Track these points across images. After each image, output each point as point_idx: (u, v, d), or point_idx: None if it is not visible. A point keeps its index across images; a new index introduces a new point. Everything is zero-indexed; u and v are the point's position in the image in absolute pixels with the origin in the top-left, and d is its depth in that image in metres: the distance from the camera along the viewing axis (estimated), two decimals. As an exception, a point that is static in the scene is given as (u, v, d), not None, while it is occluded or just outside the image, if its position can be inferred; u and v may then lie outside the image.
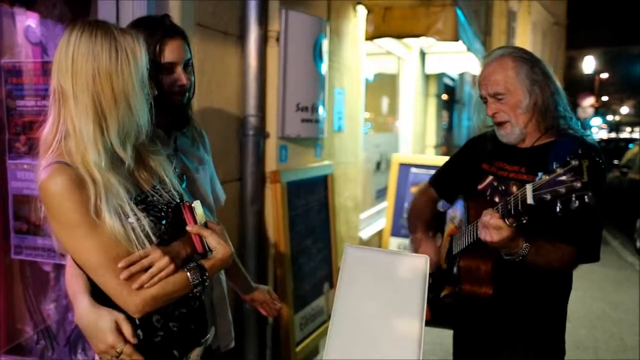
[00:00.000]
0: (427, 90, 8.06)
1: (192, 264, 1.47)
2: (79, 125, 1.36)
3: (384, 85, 6.96)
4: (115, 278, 1.37)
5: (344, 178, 4.68)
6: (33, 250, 2.43)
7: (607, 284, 6.64)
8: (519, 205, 1.55)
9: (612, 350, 4.72)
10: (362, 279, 1.37)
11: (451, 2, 4.98)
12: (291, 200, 3.54)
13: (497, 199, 1.92)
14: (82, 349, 2.46)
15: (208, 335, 1.65)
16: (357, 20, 4.81)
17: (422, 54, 7.38)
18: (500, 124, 1.94)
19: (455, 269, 1.93)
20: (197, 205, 1.51)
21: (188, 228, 1.49)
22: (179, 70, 1.71)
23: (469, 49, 6.05)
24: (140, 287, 1.38)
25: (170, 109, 1.74)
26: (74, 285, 1.50)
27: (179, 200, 1.54)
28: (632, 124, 44.18)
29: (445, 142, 9.53)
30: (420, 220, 2.26)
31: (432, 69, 7.70)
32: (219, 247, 1.51)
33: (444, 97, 9.20)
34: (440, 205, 2.32)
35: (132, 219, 1.39)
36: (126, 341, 1.41)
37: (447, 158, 2.40)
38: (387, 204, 5.61)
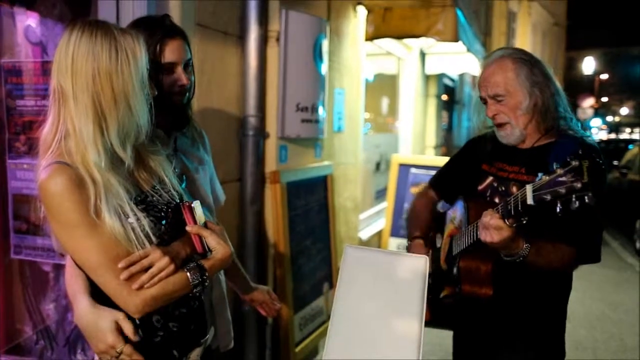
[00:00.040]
0: (427, 91, 8.06)
1: (192, 264, 1.47)
2: (78, 125, 1.36)
3: (383, 86, 6.96)
4: (115, 278, 1.37)
5: (344, 178, 4.68)
6: (32, 250, 2.43)
7: (607, 285, 6.64)
8: (519, 205, 1.55)
9: (611, 350, 4.73)
10: (361, 279, 1.37)
11: (451, 3, 4.98)
12: (291, 200, 3.54)
13: (497, 200, 1.92)
14: (81, 349, 2.46)
15: (208, 336, 1.65)
16: (357, 20, 4.81)
17: (422, 55, 7.38)
18: (500, 125, 1.94)
19: (455, 270, 1.93)
20: (196, 205, 1.51)
21: (188, 228, 1.49)
22: (179, 70, 1.71)
23: (469, 50, 6.05)
24: (140, 288, 1.38)
25: (170, 109, 1.74)
26: (74, 285, 1.50)
27: (178, 201, 1.53)
28: (632, 125, 44.19)
29: (445, 142, 9.53)
30: (420, 222, 2.26)
31: (432, 69, 7.70)
32: (218, 247, 1.51)
33: (444, 97, 9.20)
34: (440, 206, 2.32)
35: (132, 219, 1.39)
36: (126, 341, 1.41)
37: (447, 159, 2.40)
38: (387, 204, 5.61)
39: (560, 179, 1.41)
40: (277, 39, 3.34)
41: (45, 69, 2.35)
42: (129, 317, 1.42)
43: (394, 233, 5.49)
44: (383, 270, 1.38)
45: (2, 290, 2.53)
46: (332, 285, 4.06)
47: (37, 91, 2.35)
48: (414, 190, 5.29)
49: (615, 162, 11.47)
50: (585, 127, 2.02)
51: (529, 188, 1.50)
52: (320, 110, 3.66)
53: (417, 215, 2.31)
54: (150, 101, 1.47)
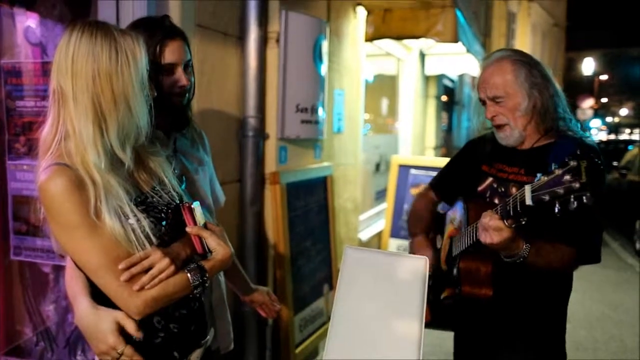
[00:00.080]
0: (427, 92, 8.06)
1: (192, 265, 1.47)
2: (78, 126, 1.36)
3: (383, 87, 6.96)
4: (115, 279, 1.36)
5: (344, 179, 4.68)
6: (32, 251, 2.43)
7: (607, 286, 6.64)
8: (518, 206, 1.55)
9: (611, 351, 4.72)
10: (361, 280, 1.37)
11: (451, 4, 4.98)
12: (291, 201, 3.54)
13: (496, 201, 1.92)
14: (81, 351, 2.46)
15: (208, 337, 1.65)
16: (357, 21, 4.81)
17: (422, 56, 7.38)
18: (499, 127, 1.94)
19: (455, 271, 1.93)
20: (196, 206, 1.51)
21: (188, 229, 1.49)
22: (179, 71, 1.71)
23: (468, 51, 6.05)
24: (141, 289, 1.38)
25: (170, 110, 1.74)
26: (74, 286, 1.50)
27: (178, 202, 1.53)
28: (632, 126, 44.18)
29: (445, 143, 9.53)
30: (420, 224, 2.27)
31: (431, 70, 7.70)
32: (218, 248, 1.51)
33: (444, 98, 9.20)
34: (440, 207, 2.32)
35: (132, 220, 1.39)
36: (127, 342, 1.41)
37: (446, 160, 2.40)
38: (387, 205, 5.61)
39: (559, 179, 1.42)
40: (277, 40, 3.34)
41: (45, 70, 2.35)
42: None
43: (394, 234, 5.49)
44: (383, 271, 1.37)
45: (2, 292, 2.53)
46: (332, 287, 4.06)
47: (37, 92, 2.35)
48: (414, 191, 5.29)
49: (615, 163, 11.47)
50: (585, 127, 2.02)
51: (527, 189, 1.50)
52: (320, 111, 3.66)
53: (417, 214, 2.32)
54: (150, 102, 1.47)
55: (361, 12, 4.87)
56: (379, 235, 5.70)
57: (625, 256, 8.42)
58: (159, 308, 1.43)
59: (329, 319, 1.36)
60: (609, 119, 45.74)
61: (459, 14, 5.09)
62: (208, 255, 1.51)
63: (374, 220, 5.98)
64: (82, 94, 1.35)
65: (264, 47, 3.26)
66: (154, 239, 1.42)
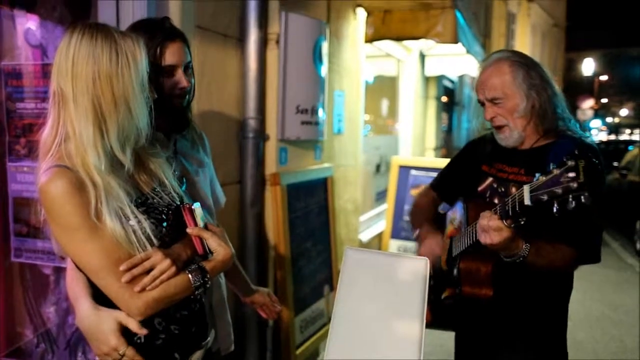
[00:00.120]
0: (427, 93, 8.07)
1: (193, 266, 1.47)
2: (78, 128, 1.36)
3: (383, 88, 6.97)
4: (117, 281, 1.37)
5: (344, 180, 4.68)
6: (33, 253, 2.43)
7: (607, 286, 6.64)
8: (517, 206, 1.55)
9: (611, 351, 4.72)
10: (362, 281, 1.37)
11: (451, 5, 4.98)
12: (291, 202, 3.54)
13: (496, 201, 1.92)
14: (82, 352, 2.46)
15: (209, 338, 1.65)
16: (357, 22, 4.82)
17: (422, 57, 7.39)
18: (498, 128, 1.95)
19: (455, 271, 1.93)
20: (197, 207, 1.52)
21: (188, 230, 1.50)
22: (180, 72, 1.71)
23: (468, 51, 6.05)
24: (142, 290, 1.38)
25: (170, 111, 1.74)
26: (75, 288, 1.50)
27: (179, 203, 1.54)
28: (632, 126, 44.17)
29: (445, 144, 9.53)
30: (423, 216, 2.26)
31: (431, 71, 7.70)
32: (219, 248, 1.51)
33: (444, 99, 9.20)
34: (441, 207, 2.32)
35: (132, 222, 1.39)
36: (128, 343, 1.41)
37: (447, 160, 2.40)
38: (387, 206, 5.61)
39: (557, 179, 1.42)
40: (277, 41, 3.35)
41: (45, 72, 2.35)
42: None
43: (395, 235, 5.49)
44: (384, 272, 1.38)
45: (2, 294, 2.53)
46: (332, 288, 4.06)
47: (37, 94, 2.35)
48: (414, 192, 5.29)
49: (615, 164, 11.47)
50: (585, 128, 2.02)
51: (526, 189, 1.51)
52: (320, 112, 3.66)
53: (420, 209, 2.31)
54: (150, 104, 1.47)
55: (361, 13, 4.87)
56: (379, 236, 5.70)
57: (626, 256, 8.42)
58: (160, 309, 1.43)
59: (329, 320, 1.36)
60: (609, 120, 45.73)
61: (458, 14, 5.10)
62: (209, 256, 1.51)
63: (375, 221, 5.98)
64: (82, 96, 1.35)
65: (264, 49, 3.27)
66: (154, 240, 1.42)
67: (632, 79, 41.89)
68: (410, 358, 1.25)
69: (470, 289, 1.87)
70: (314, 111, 3.58)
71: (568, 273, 1.98)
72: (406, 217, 5.38)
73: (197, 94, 1.97)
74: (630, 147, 14.66)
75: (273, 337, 3.42)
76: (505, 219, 1.62)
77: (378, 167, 6.35)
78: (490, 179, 2.02)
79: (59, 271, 2.46)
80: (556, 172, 1.43)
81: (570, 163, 1.40)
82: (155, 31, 1.68)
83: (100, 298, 1.44)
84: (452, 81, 9.77)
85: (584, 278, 6.45)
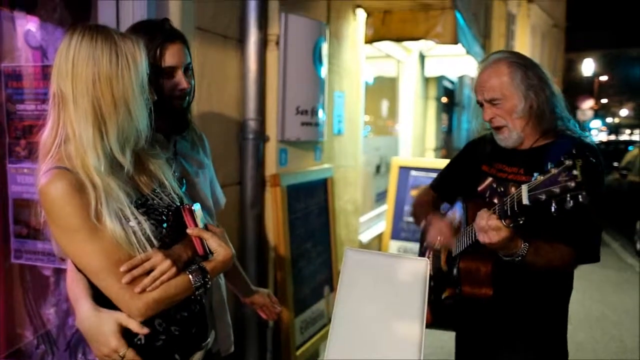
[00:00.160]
0: (427, 93, 8.07)
1: (193, 267, 1.47)
2: (78, 129, 1.36)
3: (383, 89, 6.97)
4: (117, 282, 1.37)
5: (344, 181, 4.69)
6: (33, 254, 2.43)
7: (607, 286, 6.64)
8: (515, 206, 1.55)
9: (611, 352, 4.72)
10: (362, 282, 1.37)
11: (450, 6, 4.98)
12: (291, 203, 3.54)
13: (496, 201, 1.92)
14: (82, 353, 2.46)
15: (209, 339, 1.65)
16: (357, 23, 4.82)
17: (422, 57, 7.39)
18: (497, 129, 1.96)
19: (455, 271, 1.93)
20: (197, 208, 1.52)
21: (188, 231, 1.50)
22: (180, 74, 1.72)
23: (468, 52, 6.06)
24: (143, 291, 1.38)
25: (170, 113, 1.75)
26: (75, 289, 1.50)
27: (179, 204, 1.54)
28: (632, 127, 44.18)
29: (445, 145, 9.54)
30: (427, 210, 2.24)
31: (431, 72, 7.71)
32: (219, 249, 1.51)
33: (444, 100, 9.21)
34: (441, 207, 2.32)
35: (132, 223, 1.39)
36: (129, 345, 1.41)
37: (447, 161, 2.40)
38: (387, 207, 5.61)
39: (555, 178, 1.42)
40: (277, 43, 3.35)
41: (45, 73, 2.35)
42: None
43: (395, 236, 5.49)
44: (384, 273, 1.38)
45: (2, 295, 2.53)
46: (332, 288, 4.06)
47: (37, 95, 2.35)
48: (414, 192, 5.30)
49: (615, 164, 11.47)
50: (585, 128, 2.03)
51: (524, 188, 1.51)
52: (320, 113, 3.66)
53: (422, 206, 2.30)
54: (150, 106, 1.47)
55: (361, 14, 4.88)
56: (379, 237, 5.70)
57: (626, 256, 8.42)
58: (160, 310, 1.43)
59: (329, 321, 1.36)
60: (609, 120, 45.74)
61: (458, 15, 5.10)
62: (209, 256, 1.52)
63: (375, 222, 5.98)
64: (82, 98, 1.35)
65: (263, 50, 3.27)
66: (154, 241, 1.42)
67: (631, 79, 41.89)
68: (410, 359, 1.25)
69: (470, 288, 1.87)
70: (314, 112, 3.58)
71: (568, 273, 1.98)
72: (407, 218, 5.39)
73: (197, 95, 1.98)
74: (630, 148, 14.66)
75: (273, 338, 3.42)
76: (503, 218, 1.62)
77: (378, 168, 6.35)
78: (490, 179, 2.02)
79: (59, 272, 2.46)
80: (554, 171, 1.43)
81: (568, 162, 1.40)
82: (155, 32, 1.68)
83: (101, 299, 1.44)
84: (452, 82, 9.78)
85: (584, 278, 6.45)
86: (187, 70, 1.76)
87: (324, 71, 3.67)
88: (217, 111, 3.00)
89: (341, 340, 1.30)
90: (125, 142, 1.41)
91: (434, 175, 2.46)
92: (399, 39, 5.50)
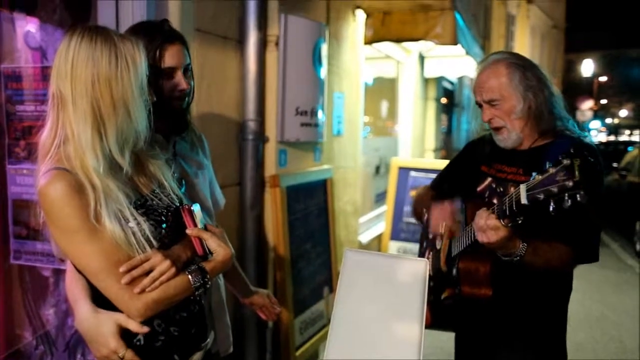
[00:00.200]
0: (426, 94, 8.07)
1: (193, 267, 1.47)
2: (77, 130, 1.36)
3: (383, 89, 6.97)
4: (116, 282, 1.37)
5: (344, 182, 4.69)
6: (32, 255, 2.43)
7: (607, 287, 6.64)
8: (514, 205, 1.56)
9: (611, 352, 4.72)
10: (361, 282, 1.37)
11: (450, 7, 4.99)
12: (290, 204, 3.54)
13: (495, 201, 1.92)
14: (81, 354, 2.46)
15: (208, 340, 1.65)
16: (356, 24, 4.82)
17: (421, 58, 7.40)
18: (496, 130, 1.96)
19: (454, 271, 1.93)
20: (196, 208, 1.52)
21: (188, 231, 1.50)
22: (179, 75, 1.72)
23: (467, 53, 6.06)
24: (142, 291, 1.38)
25: (170, 113, 1.75)
26: (74, 290, 1.50)
27: (178, 204, 1.54)
28: (631, 127, 44.21)
29: (445, 145, 9.54)
30: (428, 203, 2.22)
31: (431, 72, 7.71)
32: (219, 249, 1.51)
33: (443, 100, 9.21)
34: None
35: (132, 224, 1.39)
36: (128, 346, 1.41)
37: (446, 162, 2.40)
38: (387, 207, 5.61)
39: (553, 178, 1.43)
40: (277, 43, 3.35)
41: (45, 74, 2.35)
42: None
43: (394, 236, 5.49)
44: (383, 274, 1.38)
45: (1, 296, 2.52)
46: (332, 289, 4.06)
47: (37, 96, 2.35)
48: (414, 193, 5.29)
49: (615, 164, 11.47)
50: (584, 128, 2.03)
51: (522, 188, 1.51)
52: (320, 114, 3.66)
53: (422, 202, 2.30)
54: (149, 107, 1.47)
55: (360, 15, 4.88)
56: (379, 237, 5.70)
57: (625, 257, 8.42)
58: (160, 310, 1.43)
59: (329, 321, 1.37)
60: (608, 121, 45.77)
61: (458, 16, 5.11)
62: (209, 256, 1.52)
63: (374, 223, 5.98)
64: (81, 99, 1.35)
65: (263, 51, 3.27)
66: (154, 242, 1.42)
67: (631, 80, 41.94)
68: (409, 359, 1.25)
69: (469, 289, 1.87)
70: (314, 113, 3.58)
71: (567, 273, 1.98)
72: (407, 219, 5.39)
73: (196, 96, 1.98)
74: (629, 148, 14.67)
75: (272, 338, 3.42)
76: (502, 218, 1.62)
77: (377, 169, 6.35)
78: (489, 179, 2.02)
79: (59, 273, 2.46)
80: (552, 170, 1.43)
81: (566, 162, 1.41)
82: (154, 34, 1.69)
83: (100, 300, 1.44)
84: (451, 82, 9.79)
85: (584, 278, 6.45)
86: (187, 71, 1.76)
87: (323, 72, 3.67)
88: (216, 112, 3.00)
89: (341, 340, 1.30)
90: (124, 143, 1.42)
91: (434, 176, 2.46)
92: (398, 40, 5.50)
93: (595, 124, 38.85)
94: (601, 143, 25.60)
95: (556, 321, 1.99)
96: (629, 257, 8.40)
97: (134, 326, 1.41)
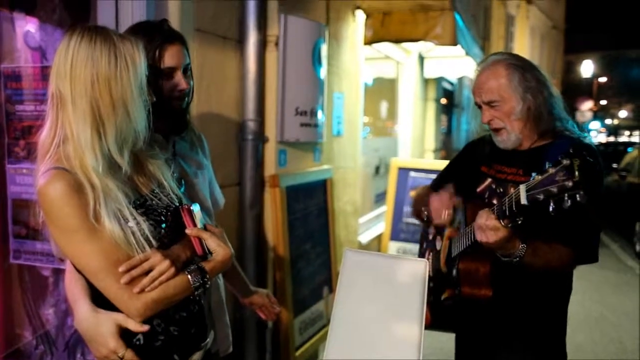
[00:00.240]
0: (426, 95, 8.07)
1: (192, 267, 1.47)
2: (76, 130, 1.36)
3: (382, 90, 6.97)
4: (116, 282, 1.37)
5: (343, 182, 4.69)
6: (32, 254, 2.43)
7: (607, 287, 6.64)
8: (514, 206, 1.56)
9: (611, 353, 4.72)
10: (361, 283, 1.37)
11: (450, 7, 4.99)
12: (290, 204, 3.54)
13: (495, 201, 1.92)
14: (81, 354, 2.46)
15: (208, 339, 1.65)
16: (356, 24, 4.82)
17: (421, 59, 7.40)
18: (496, 131, 1.96)
19: (454, 272, 1.93)
20: (195, 208, 1.52)
21: (187, 231, 1.50)
22: (179, 75, 1.72)
23: (467, 54, 6.06)
24: (142, 291, 1.38)
25: (169, 113, 1.75)
26: (74, 290, 1.50)
27: (177, 204, 1.54)
28: (631, 128, 44.26)
29: (444, 146, 9.54)
30: (427, 200, 2.21)
31: (430, 73, 7.72)
32: (218, 249, 1.51)
33: (443, 101, 9.21)
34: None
35: (131, 223, 1.39)
36: (127, 346, 1.41)
37: (446, 162, 2.40)
38: (386, 208, 5.61)
39: (552, 178, 1.43)
40: (276, 44, 3.35)
41: (44, 74, 2.35)
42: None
43: (394, 237, 5.49)
44: (383, 274, 1.38)
45: (1, 295, 2.52)
46: (331, 289, 4.06)
47: (37, 96, 2.35)
48: (413, 193, 5.29)
49: (615, 165, 11.48)
50: (584, 129, 2.03)
51: (522, 188, 1.51)
52: (320, 114, 3.66)
53: (422, 200, 2.29)
54: (149, 107, 1.47)
55: (360, 15, 4.88)
56: (378, 238, 5.70)
57: (625, 258, 8.42)
58: (159, 310, 1.43)
59: (328, 321, 1.36)
60: (608, 121, 45.81)
61: (457, 17, 5.11)
62: (208, 256, 1.52)
63: (374, 223, 5.98)
64: (80, 99, 1.35)
65: (263, 51, 3.27)
66: (153, 242, 1.42)
67: (630, 80, 41.98)
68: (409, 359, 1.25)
69: (469, 289, 1.87)
70: (313, 113, 3.58)
71: (567, 274, 1.98)
72: (407, 219, 5.39)
73: (196, 96, 1.98)
74: (629, 149, 14.66)
75: (272, 338, 3.42)
76: (502, 218, 1.62)
77: (377, 169, 6.35)
78: (489, 180, 2.02)
79: (58, 273, 2.45)
80: (551, 171, 1.43)
81: (565, 162, 1.41)
82: (154, 34, 1.69)
83: (99, 300, 1.44)
84: (451, 83, 9.79)
85: (584, 279, 6.45)
86: (186, 71, 1.76)
87: (323, 72, 3.67)
88: (216, 112, 3.00)
89: (340, 341, 1.30)
90: (123, 143, 1.42)
91: (433, 176, 2.46)
92: (398, 40, 5.50)
93: (595, 125, 38.89)
94: (601, 144, 25.61)
95: (556, 322, 1.99)
96: (628, 258, 8.40)
97: (133, 326, 1.41)
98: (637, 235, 8.73)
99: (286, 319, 3.38)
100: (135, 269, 1.37)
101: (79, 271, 1.45)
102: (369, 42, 5.10)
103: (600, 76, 39.65)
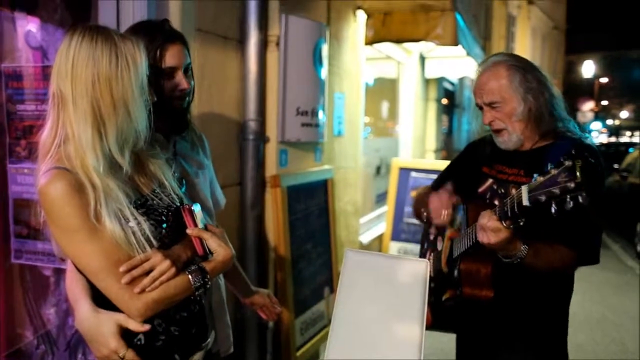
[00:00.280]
0: (427, 95, 8.07)
1: (193, 267, 1.47)
2: (77, 130, 1.36)
3: (383, 90, 6.97)
4: (116, 282, 1.37)
5: (344, 182, 4.69)
6: (33, 254, 2.43)
7: (608, 288, 6.64)
8: (515, 207, 1.55)
9: (612, 354, 4.72)
10: (362, 283, 1.37)
11: (451, 7, 4.99)
12: (291, 204, 3.54)
13: (496, 202, 1.92)
14: (82, 354, 2.46)
15: (209, 340, 1.65)
16: (357, 25, 4.82)
17: (422, 59, 7.39)
18: (497, 132, 1.96)
19: (455, 272, 1.93)
20: (196, 208, 1.52)
21: (188, 231, 1.50)
22: (180, 74, 1.72)
23: (468, 54, 6.06)
24: (142, 291, 1.38)
25: (170, 113, 1.75)
26: (75, 290, 1.50)
27: (178, 204, 1.54)
28: (632, 128, 44.22)
29: (445, 146, 9.53)
30: (425, 199, 2.21)
31: (431, 73, 7.72)
32: (219, 249, 1.51)
33: (444, 101, 9.21)
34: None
35: (132, 223, 1.39)
36: (128, 346, 1.41)
37: (447, 162, 2.40)
38: (387, 208, 5.62)
39: (554, 179, 1.42)
40: (277, 44, 3.35)
41: (45, 74, 2.35)
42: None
43: (395, 237, 5.50)
44: (384, 274, 1.38)
45: (2, 295, 2.53)
46: (332, 290, 4.06)
47: (38, 96, 2.35)
48: (414, 193, 5.29)
49: (616, 166, 11.47)
50: (585, 130, 2.03)
51: (524, 189, 1.51)
52: (320, 114, 3.66)
53: (423, 201, 2.28)
54: (149, 107, 1.47)
55: (361, 15, 4.88)
56: (379, 238, 5.70)
57: (626, 259, 8.41)
58: (160, 310, 1.43)
59: (329, 322, 1.36)
60: (609, 122, 45.78)
61: (458, 17, 5.11)
62: (209, 256, 1.52)
63: (375, 223, 5.98)
64: (81, 98, 1.35)
65: (264, 51, 3.27)
66: (154, 242, 1.42)
67: (632, 81, 41.94)
68: (410, 360, 1.25)
69: (470, 290, 1.87)
70: (314, 113, 3.58)
71: (568, 275, 1.98)
72: (407, 219, 5.39)
73: (197, 96, 1.98)
74: (630, 150, 14.68)
75: (273, 338, 3.42)
76: (504, 219, 1.62)
77: (378, 169, 6.35)
78: (490, 181, 2.02)
79: (59, 273, 2.46)
80: (554, 172, 1.43)
81: (568, 163, 1.41)
82: (155, 33, 1.69)
83: (100, 300, 1.44)
84: (452, 83, 9.79)
85: (585, 280, 6.44)
86: (187, 70, 1.76)
87: (324, 72, 3.67)
88: (217, 112, 3.00)
89: (341, 341, 1.30)
90: (124, 143, 1.42)
91: (434, 176, 2.46)
92: (399, 41, 5.50)
93: (596, 125, 38.87)
94: (602, 144, 25.60)
95: (557, 323, 1.99)
96: (629, 259, 8.39)
97: (134, 326, 1.40)
98: (638, 236, 8.72)
99: (287, 319, 3.38)
100: (136, 269, 1.37)
101: (80, 271, 1.45)
102: (369, 42, 5.10)
103: (602, 77, 39.63)
